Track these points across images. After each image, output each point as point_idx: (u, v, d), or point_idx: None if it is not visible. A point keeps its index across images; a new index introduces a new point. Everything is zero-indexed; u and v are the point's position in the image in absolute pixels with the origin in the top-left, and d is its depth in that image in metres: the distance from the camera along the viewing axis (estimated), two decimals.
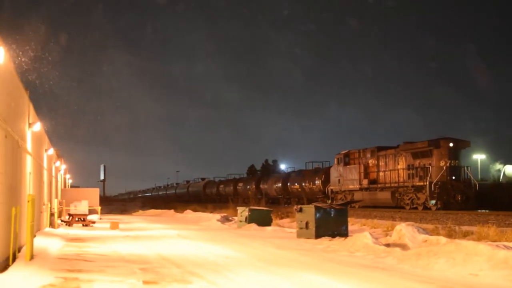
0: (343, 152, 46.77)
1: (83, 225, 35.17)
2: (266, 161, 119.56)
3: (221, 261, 16.21)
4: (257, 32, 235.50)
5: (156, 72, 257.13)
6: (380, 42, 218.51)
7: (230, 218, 41.78)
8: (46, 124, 29.75)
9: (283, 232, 29.14)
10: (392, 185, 40.42)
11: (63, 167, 50.37)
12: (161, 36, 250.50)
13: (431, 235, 20.20)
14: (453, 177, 36.94)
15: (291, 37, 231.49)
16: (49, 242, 21.05)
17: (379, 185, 42.04)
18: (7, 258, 14.38)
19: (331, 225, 24.85)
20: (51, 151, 32.67)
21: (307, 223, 24.87)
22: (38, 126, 21.31)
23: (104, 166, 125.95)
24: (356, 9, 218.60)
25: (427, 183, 36.41)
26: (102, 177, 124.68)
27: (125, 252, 18.51)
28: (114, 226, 32.47)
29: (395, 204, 39.21)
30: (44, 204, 28.34)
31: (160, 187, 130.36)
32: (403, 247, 18.77)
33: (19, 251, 16.30)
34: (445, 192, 36.26)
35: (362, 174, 43.94)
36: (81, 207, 36.38)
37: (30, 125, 20.52)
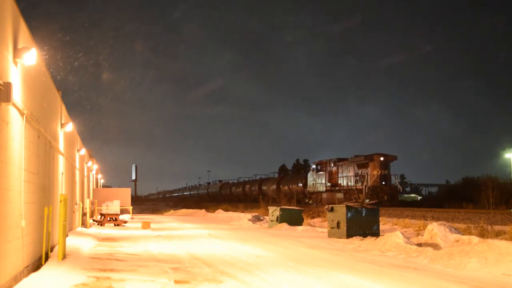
0: (316, 161, 60.85)
1: (114, 225, 35.36)
2: (297, 160, 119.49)
3: (252, 261, 16.21)
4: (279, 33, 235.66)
5: (188, 74, 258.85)
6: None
7: (261, 218, 41.89)
8: (78, 124, 30.02)
9: (314, 232, 29.10)
10: (345, 187, 53.93)
11: (95, 167, 50.87)
12: (193, 40, 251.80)
13: (463, 234, 20.01)
14: (383, 182, 49.83)
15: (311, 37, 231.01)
16: (81, 242, 21.20)
17: (337, 188, 55.40)
18: (40, 258, 14.51)
19: (363, 224, 24.81)
20: (83, 151, 32.96)
21: (338, 223, 24.82)
22: (70, 127, 21.47)
23: (136, 166, 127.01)
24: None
25: (364, 187, 49.85)
26: (133, 177, 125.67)
27: (157, 252, 18.58)
28: (146, 225, 32.62)
29: None
30: (76, 204, 28.57)
31: (185, 187, 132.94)
32: (435, 246, 18.63)
33: (51, 251, 16.45)
34: (375, 193, 48.59)
35: (327, 179, 57.51)
36: (113, 207, 36.62)
37: (62, 125, 20.67)
